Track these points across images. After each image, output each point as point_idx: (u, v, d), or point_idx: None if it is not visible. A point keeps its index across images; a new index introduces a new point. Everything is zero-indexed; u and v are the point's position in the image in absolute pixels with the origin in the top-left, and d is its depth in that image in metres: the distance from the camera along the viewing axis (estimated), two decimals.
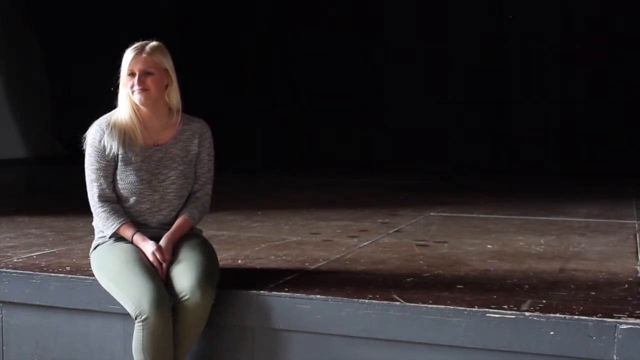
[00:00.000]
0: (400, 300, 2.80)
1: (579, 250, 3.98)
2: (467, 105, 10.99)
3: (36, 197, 7.06)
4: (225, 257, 3.68)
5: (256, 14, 12.15)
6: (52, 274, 3.25)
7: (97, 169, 2.97)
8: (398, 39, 11.09)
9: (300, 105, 11.83)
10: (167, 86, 2.99)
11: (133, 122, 2.97)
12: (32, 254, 3.70)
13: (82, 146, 3.01)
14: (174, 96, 3.03)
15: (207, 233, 3.40)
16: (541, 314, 2.61)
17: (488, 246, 4.09)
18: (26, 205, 5.87)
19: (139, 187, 2.99)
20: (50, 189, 7.85)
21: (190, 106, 3.12)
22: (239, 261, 3.61)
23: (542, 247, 4.09)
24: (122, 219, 2.97)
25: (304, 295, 2.89)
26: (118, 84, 2.98)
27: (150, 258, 2.88)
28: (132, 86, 2.92)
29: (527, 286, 3.07)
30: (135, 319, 2.73)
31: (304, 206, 5.90)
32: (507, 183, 8.49)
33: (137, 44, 2.96)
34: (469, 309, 2.69)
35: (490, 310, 2.67)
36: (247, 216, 5.28)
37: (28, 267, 3.39)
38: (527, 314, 2.62)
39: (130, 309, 2.75)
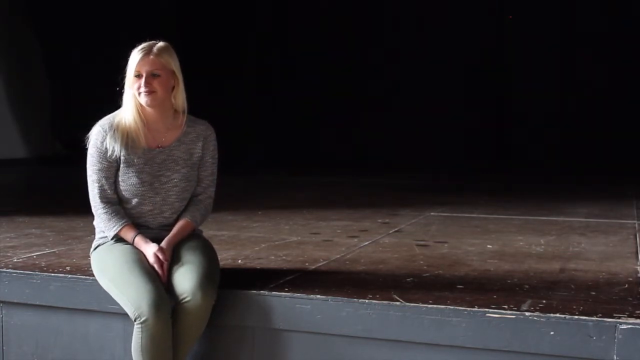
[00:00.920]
0: (400, 300, 2.80)
1: (579, 250, 3.98)
2: (467, 105, 11.00)
3: (36, 197, 7.06)
4: (225, 257, 3.68)
5: (256, 14, 12.16)
6: (52, 274, 3.25)
7: (99, 170, 2.97)
8: (398, 39, 11.10)
9: (300, 105, 11.84)
10: (173, 87, 2.98)
11: (137, 124, 2.96)
12: (32, 254, 3.70)
13: (85, 146, 3.01)
14: (180, 98, 3.02)
15: (207, 233, 3.40)
16: (541, 314, 2.61)
17: (488, 246, 4.09)
18: (26, 205, 5.87)
19: (140, 188, 2.98)
20: (50, 189, 7.85)
21: (190, 106, 3.11)
22: (239, 261, 3.61)
23: (542, 247, 4.09)
24: (123, 221, 2.96)
25: (304, 295, 2.89)
26: (123, 84, 2.97)
27: (152, 259, 2.87)
28: (139, 88, 2.91)
29: (527, 286, 3.07)
30: (135, 320, 2.72)
31: (304, 206, 5.90)
32: (507, 183, 8.49)
33: (144, 45, 2.93)
34: (469, 309, 2.69)
35: (490, 310, 2.67)
36: (247, 216, 5.28)
37: (28, 267, 3.39)
38: (527, 314, 2.62)
39: (129, 310, 2.75)
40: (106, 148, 2.95)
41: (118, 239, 2.98)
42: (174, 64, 2.96)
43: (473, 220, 5.18)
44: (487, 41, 11.02)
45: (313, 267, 3.47)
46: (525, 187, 7.96)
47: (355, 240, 4.28)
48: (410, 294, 2.89)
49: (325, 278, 3.21)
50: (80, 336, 3.24)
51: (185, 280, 2.80)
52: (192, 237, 3.06)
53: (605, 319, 2.55)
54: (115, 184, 2.99)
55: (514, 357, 2.64)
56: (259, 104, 12.09)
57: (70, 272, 3.26)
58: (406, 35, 11.04)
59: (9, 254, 3.70)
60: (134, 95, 2.94)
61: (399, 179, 8.75)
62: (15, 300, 3.31)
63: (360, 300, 2.82)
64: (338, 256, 3.75)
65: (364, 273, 3.34)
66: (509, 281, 3.17)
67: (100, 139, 2.96)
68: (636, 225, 4.92)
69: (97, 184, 2.97)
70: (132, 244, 2.95)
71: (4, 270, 3.33)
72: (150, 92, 2.90)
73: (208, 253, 3.00)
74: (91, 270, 3.04)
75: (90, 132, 3.00)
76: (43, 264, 3.46)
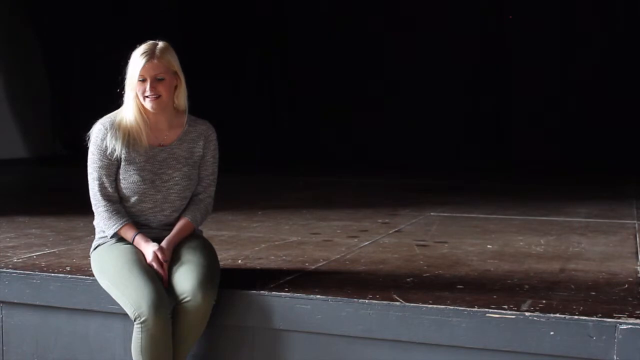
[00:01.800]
0: (400, 300, 2.81)
1: (579, 250, 3.98)
2: (467, 105, 10.99)
3: (36, 197, 7.06)
4: (225, 257, 3.68)
5: (256, 14, 12.15)
6: (52, 274, 3.25)
7: (100, 167, 2.97)
8: (398, 39, 11.09)
9: (301, 105, 11.84)
10: (176, 87, 2.99)
11: (138, 123, 2.96)
12: (32, 254, 3.70)
13: (86, 144, 3.01)
14: (182, 97, 3.02)
15: (207, 233, 3.41)
16: (541, 314, 2.61)
17: (488, 246, 4.09)
18: (26, 205, 5.86)
19: (141, 186, 2.98)
20: (50, 189, 7.85)
21: (190, 106, 3.11)
22: (239, 261, 3.61)
23: (542, 247, 4.09)
24: (124, 220, 2.97)
25: (304, 295, 2.89)
26: (124, 85, 2.96)
27: (150, 257, 2.87)
28: (144, 92, 2.90)
29: (527, 286, 3.07)
30: (134, 321, 2.73)
31: (304, 206, 5.90)
32: (507, 183, 8.48)
33: (145, 47, 2.91)
34: (469, 309, 2.69)
35: (490, 310, 2.67)
36: (247, 216, 5.28)
37: (28, 267, 3.39)
38: (527, 314, 2.62)
39: (129, 311, 2.75)
40: (106, 146, 2.95)
41: (118, 238, 2.99)
42: (176, 64, 2.96)
43: (473, 220, 5.18)
44: (487, 41, 11.01)
45: (313, 267, 3.47)
46: (525, 187, 7.95)
47: (355, 240, 4.28)
48: (410, 294, 2.89)
49: (325, 278, 3.21)
50: (80, 336, 3.24)
51: (186, 280, 2.80)
52: (192, 237, 3.06)
53: (605, 319, 2.55)
54: (116, 181, 2.99)
55: (514, 357, 2.64)
56: (259, 104, 12.08)
57: (70, 272, 3.26)
58: (406, 35, 11.03)
59: (9, 254, 3.70)
60: (135, 95, 2.93)
61: (399, 179, 8.75)
62: (15, 300, 3.31)
63: (360, 300, 2.82)
64: (338, 256, 3.75)
65: (364, 273, 3.34)
66: (509, 281, 3.17)
67: (100, 136, 2.96)
68: (636, 225, 4.92)
69: (97, 182, 2.97)
70: (132, 242, 2.95)
71: (4, 270, 3.33)
72: (156, 97, 2.90)
73: (208, 253, 3.00)
74: (91, 271, 3.04)
75: (91, 130, 3.00)
76: (43, 264, 3.46)
